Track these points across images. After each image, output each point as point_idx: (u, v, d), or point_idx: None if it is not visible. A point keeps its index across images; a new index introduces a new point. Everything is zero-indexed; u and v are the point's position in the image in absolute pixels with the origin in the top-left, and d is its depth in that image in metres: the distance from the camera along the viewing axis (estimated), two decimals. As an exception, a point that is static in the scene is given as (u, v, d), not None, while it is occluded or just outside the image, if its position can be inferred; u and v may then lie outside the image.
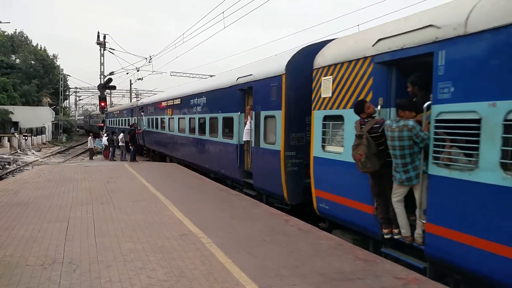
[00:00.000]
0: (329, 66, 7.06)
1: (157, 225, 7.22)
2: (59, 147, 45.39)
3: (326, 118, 7.20)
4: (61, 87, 61.18)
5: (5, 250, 5.82)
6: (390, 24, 6.03)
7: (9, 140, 36.93)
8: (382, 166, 5.57)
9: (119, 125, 34.56)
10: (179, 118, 17.60)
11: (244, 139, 10.70)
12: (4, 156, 28.99)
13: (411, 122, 5.08)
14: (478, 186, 4.40)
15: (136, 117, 27.07)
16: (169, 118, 19.26)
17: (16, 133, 40.03)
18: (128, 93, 62.38)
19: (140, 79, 43.94)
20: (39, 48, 67.36)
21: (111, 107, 49.24)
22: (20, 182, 12.72)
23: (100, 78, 30.45)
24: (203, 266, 5.23)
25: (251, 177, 10.54)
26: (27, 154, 34.36)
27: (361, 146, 5.59)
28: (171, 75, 49.64)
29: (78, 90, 72.92)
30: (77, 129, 78.88)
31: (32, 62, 62.25)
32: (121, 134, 25.13)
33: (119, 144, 24.99)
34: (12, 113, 44.32)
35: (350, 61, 6.49)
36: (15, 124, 44.22)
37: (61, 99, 62.11)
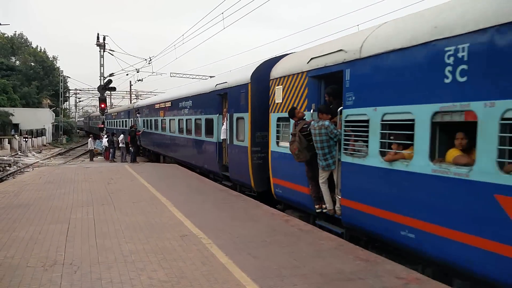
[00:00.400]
0: (280, 77, 8.76)
1: (158, 226, 7.27)
2: (60, 148, 45.91)
3: (279, 119, 8.89)
4: (61, 88, 62.08)
5: (6, 252, 5.86)
6: (321, 46, 7.72)
7: (9, 142, 36.71)
8: (312, 156, 7.25)
9: (116, 126, 36.00)
10: (170, 120, 19.31)
11: (222, 137, 12.42)
12: (5, 158, 29.17)
13: (326, 122, 6.77)
14: (368, 168, 6.09)
15: (132, 119, 28.36)
16: (161, 120, 20.89)
17: (16, 135, 39.87)
18: (128, 95, 62.52)
19: (140, 80, 44.78)
20: (39, 49, 67.97)
21: (111, 108, 50.15)
22: (21, 184, 12.75)
23: (100, 79, 30.21)
24: (204, 266, 5.27)
25: (228, 170, 12.23)
26: (27, 156, 34.47)
27: (295, 142, 7.29)
28: (171, 76, 49.44)
29: (78, 91, 73.66)
30: (77, 130, 79.25)
31: (32, 64, 62.80)
32: (121, 136, 25.33)
33: (120, 145, 25.16)
34: (12, 115, 44.16)
35: (294, 74, 8.18)
36: (15, 126, 44.15)
37: (61, 100, 63.01)
